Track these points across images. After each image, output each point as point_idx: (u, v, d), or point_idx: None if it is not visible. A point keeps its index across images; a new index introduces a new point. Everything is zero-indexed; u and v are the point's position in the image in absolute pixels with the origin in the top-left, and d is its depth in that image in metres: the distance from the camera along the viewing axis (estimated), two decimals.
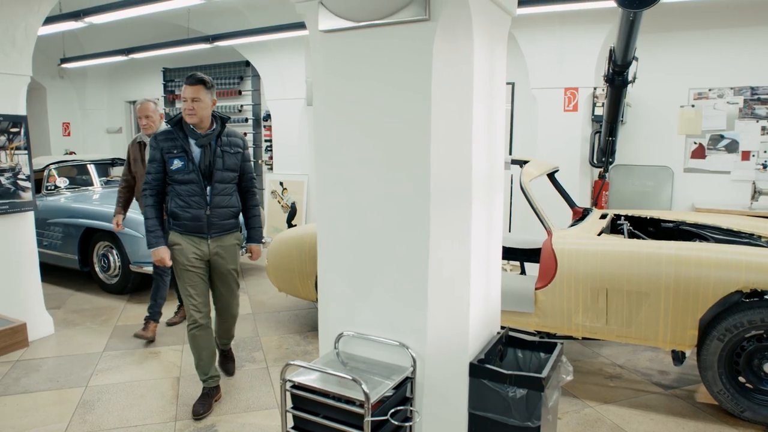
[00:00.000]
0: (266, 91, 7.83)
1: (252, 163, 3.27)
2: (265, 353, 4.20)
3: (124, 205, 4.58)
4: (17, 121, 4.35)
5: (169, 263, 3.30)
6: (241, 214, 3.52)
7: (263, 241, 5.72)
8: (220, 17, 7.11)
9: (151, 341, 4.47)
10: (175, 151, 3.18)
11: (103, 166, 7.24)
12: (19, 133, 4.34)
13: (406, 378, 2.12)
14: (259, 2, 6.58)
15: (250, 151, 4.09)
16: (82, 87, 10.49)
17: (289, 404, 2.10)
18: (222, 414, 3.34)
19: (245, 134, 8.78)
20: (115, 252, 5.58)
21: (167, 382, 3.76)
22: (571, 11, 5.37)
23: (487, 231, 2.36)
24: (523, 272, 4.89)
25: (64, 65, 9.26)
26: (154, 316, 4.54)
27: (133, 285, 5.63)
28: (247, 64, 8.37)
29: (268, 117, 8.13)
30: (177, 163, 3.17)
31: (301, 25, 6.22)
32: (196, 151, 3.21)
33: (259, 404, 3.45)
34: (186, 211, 3.22)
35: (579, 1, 4.75)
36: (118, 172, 7.39)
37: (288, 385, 2.05)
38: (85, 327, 4.83)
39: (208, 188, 3.23)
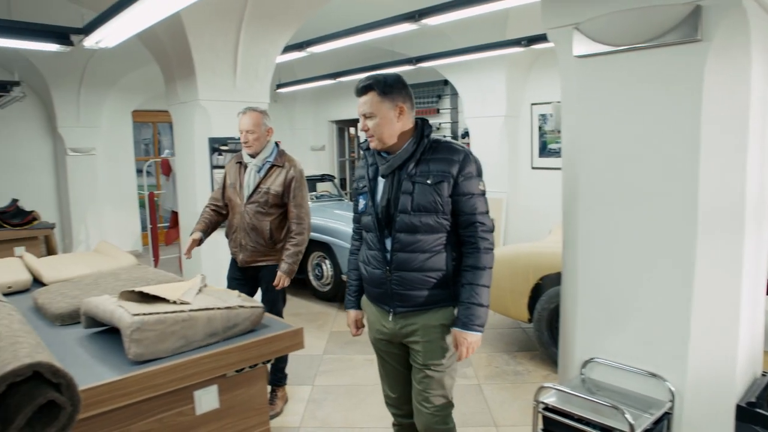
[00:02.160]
0: (465, 109, 7.97)
1: (479, 197, 2.15)
2: (476, 370, 4.25)
3: (204, 228, 3.52)
4: None
5: (356, 332, 2.51)
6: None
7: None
8: (422, 39, 7.39)
9: (278, 414, 3.60)
10: (362, 185, 2.30)
11: (312, 182, 7.87)
12: None
13: (665, 413, 2.02)
14: (464, 23, 6.73)
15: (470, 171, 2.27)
16: (292, 108, 11.53)
17: (540, 426, 2.11)
18: None
19: None
20: (328, 262, 6.03)
21: None
22: None
23: (756, 261, 2.17)
24: None
25: (279, 90, 10.25)
26: (279, 381, 3.71)
27: (344, 294, 6.02)
28: (445, 82, 8.60)
29: (466, 134, 8.28)
30: (361, 202, 2.30)
31: (503, 44, 6.25)
32: (380, 184, 2.22)
33: (475, 421, 3.49)
34: (366, 269, 2.28)
35: None
36: (326, 187, 8.01)
37: (540, 407, 2.05)
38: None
39: (388, 240, 2.18)
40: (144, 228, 9.76)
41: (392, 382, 2.42)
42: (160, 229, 7.85)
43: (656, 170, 2.04)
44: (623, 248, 2.16)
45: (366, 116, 2.14)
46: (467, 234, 2.13)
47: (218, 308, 1.92)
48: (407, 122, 2.16)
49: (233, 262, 3.59)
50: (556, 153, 7.40)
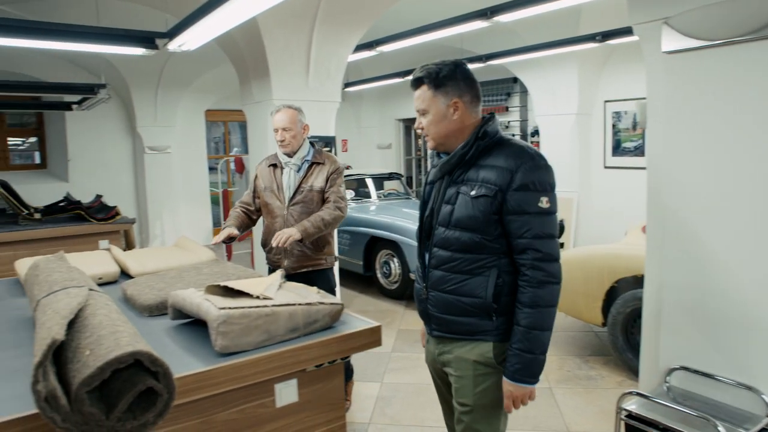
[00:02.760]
0: (535, 107, 7.83)
1: (538, 217, 1.74)
2: (546, 373, 4.15)
3: (238, 225, 3.27)
4: (328, 141, 4.99)
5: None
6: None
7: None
8: (491, 36, 7.30)
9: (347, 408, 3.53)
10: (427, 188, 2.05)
11: (379, 180, 7.93)
12: (329, 151, 4.97)
13: (762, 429, 1.91)
14: (535, 20, 6.59)
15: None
16: (359, 107, 11.64)
17: None
18: (511, 430, 3.38)
19: None
20: (396, 260, 6.05)
21: None
22: None
23: None
24: None
25: (346, 89, 10.35)
26: (346, 377, 3.53)
27: (411, 292, 6.04)
28: (515, 80, 8.47)
29: (535, 133, 8.12)
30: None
31: (576, 40, 6.09)
32: (430, 191, 2.00)
33: (546, 425, 3.42)
34: (415, 281, 2.09)
35: None
36: (393, 185, 8.04)
37: (623, 414, 2.00)
38: None
39: (427, 255, 1.95)
40: (215, 224, 10.10)
41: (443, 404, 2.18)
42: None
43: (754, 172, 1.94)
44: (715, 252, 2.07)
45: (420, 112, 1.90)
46: (520, 262, 1.77)
47: (299, 304, 1.96)
48: (467, 118, 1.85)
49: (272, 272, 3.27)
50: (631, 152, 7.15)
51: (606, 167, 7.47)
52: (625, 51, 6.85)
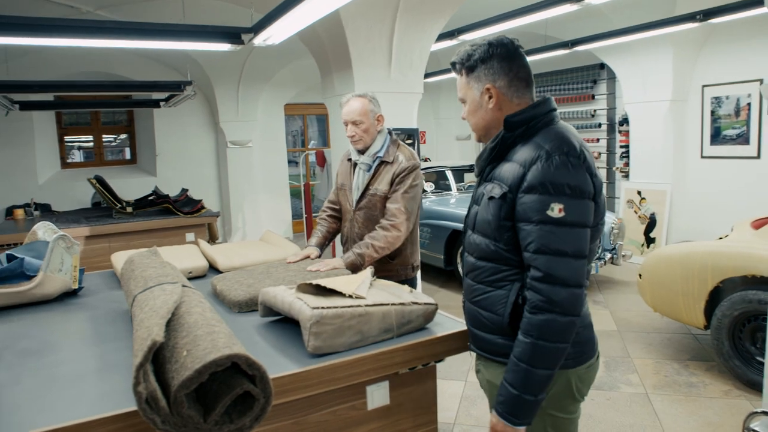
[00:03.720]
0: (624, 94, 7.42)
1: (544, 228, 1.46)
2: (642, 377, 3.92)
3: (321, 241, 3.02)
4: (411, 132, 4.90)
5: None
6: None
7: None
8: (578, 21, 6.97)
9: None
10: None
11: (460, 172, 7.77)
12: (413, 143, 4.88)
13: None
14: (625, 1, 6.24)
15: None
16: (437, 98, 11.48)
17: None
18: None
19: (596, 140, 8.41)
20: None
21: None
22: None
23: None
24: None
25: (426, 80, 10.22)
26: None
27: None
28: (602, 66, 8.07)
29: (624, 122, 7.71)
30: None
31: (673, 21, 5.70)
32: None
33: None
34: None
35: None
36: (473, 177, 7.86)
37: None
38: None
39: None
40: (295, 216, 10.26)
41: None
42: (315, 218, 8.19)
43: None
44: None
45: (460, 101, 1.71)
46: (526, 279, 1.52)
47: (392, 304, 1.88)
48: (507, 106, 1.62)
49: None
50: (732, 140, 6.65)
51: (703, 157, 6.98)
52: (726, 31, 6.37)
